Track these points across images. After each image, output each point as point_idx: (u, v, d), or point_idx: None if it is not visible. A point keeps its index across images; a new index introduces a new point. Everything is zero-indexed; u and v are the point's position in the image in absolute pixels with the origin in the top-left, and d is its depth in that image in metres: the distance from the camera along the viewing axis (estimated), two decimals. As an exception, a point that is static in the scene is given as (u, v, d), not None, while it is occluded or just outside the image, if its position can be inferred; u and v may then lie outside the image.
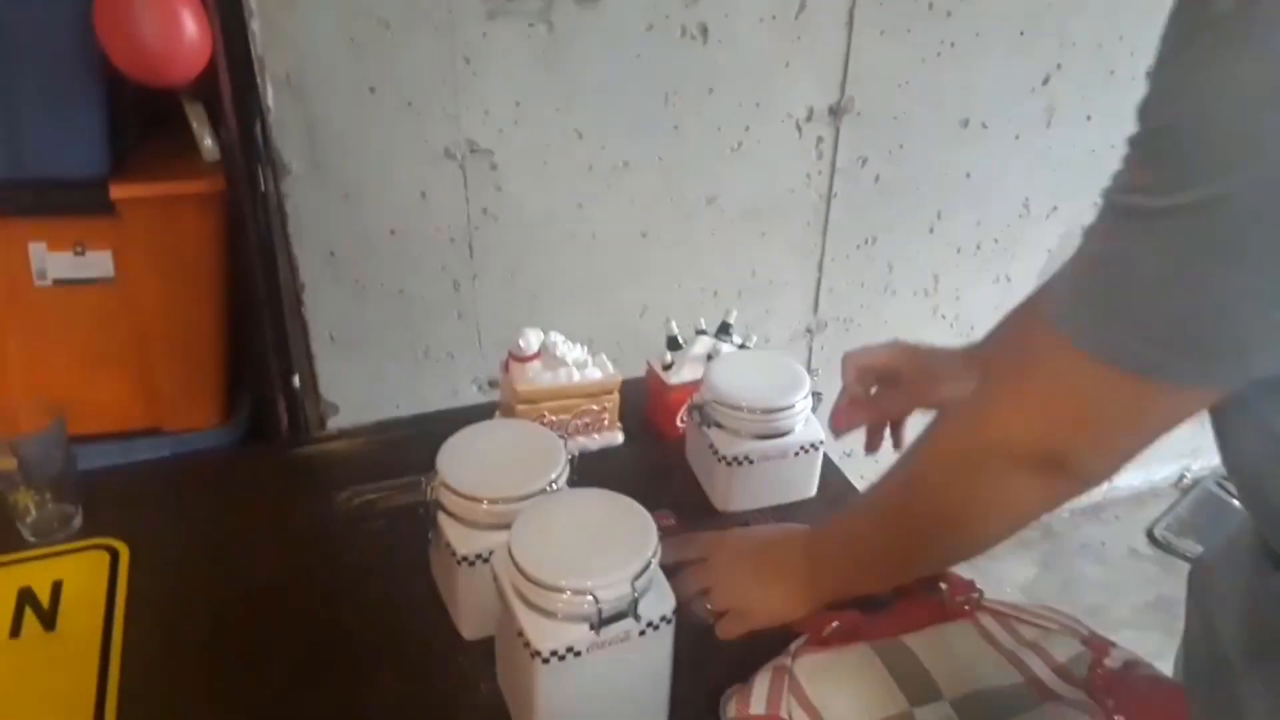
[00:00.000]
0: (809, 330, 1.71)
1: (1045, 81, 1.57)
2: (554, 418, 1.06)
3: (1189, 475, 2.31)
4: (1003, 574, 2.10)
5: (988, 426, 0.57)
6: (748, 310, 1.63)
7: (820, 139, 1.50)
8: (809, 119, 1.47)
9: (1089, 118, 1.62)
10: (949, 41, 1.47)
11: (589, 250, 1.46)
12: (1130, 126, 0.44)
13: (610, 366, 1.08)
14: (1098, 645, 0.70)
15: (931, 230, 1.66)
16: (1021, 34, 1.51)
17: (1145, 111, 0.44)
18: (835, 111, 1.47)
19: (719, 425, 0.96)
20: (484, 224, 1.38)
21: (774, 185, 1.52)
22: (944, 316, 1.79)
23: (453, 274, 1.42)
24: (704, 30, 1.33)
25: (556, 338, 1.08)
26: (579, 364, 1.07)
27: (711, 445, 0.97)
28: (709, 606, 0.76)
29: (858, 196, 1.58)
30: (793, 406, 0.95)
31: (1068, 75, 1.57)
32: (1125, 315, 0.47)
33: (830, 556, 0.74)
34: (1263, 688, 0.60)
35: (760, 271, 1.60)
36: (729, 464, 0.95)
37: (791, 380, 0.98)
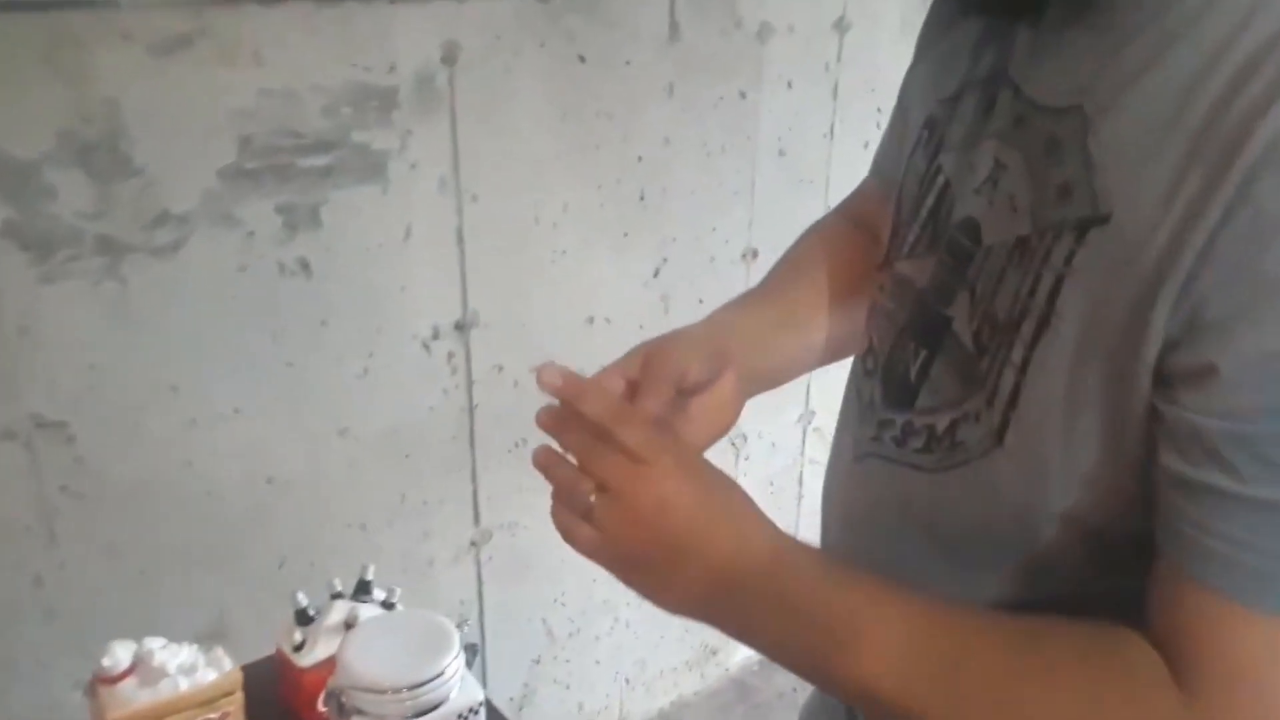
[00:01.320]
0: (473, 543, 1.67)
1: (656, 274, 1.71)
2: (164, 740, 0.92)
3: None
4: (713, 748, 2.11)
5: None
6: (403, 536, 1.56)
7: (451, 354, 1.51)
8: (435, 337, 1.48)
9: (700, 301, 1.78)
10: (560, 249, 1.56)
11: (204, 510, 1.33)
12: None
13: (227, 662, 0.97)
14: None
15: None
16: (625, 235, 1.64)
17: None
18: (461, 326, 1.50)
19: (361, 713, 0.88)
20: (65, 505, 1.20)
21: (410, 405, 1.49)
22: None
23: (32, 568, 1.22)
24: (305, 265, 1.31)
25: (153, 644, 0.95)
26: (185, 669, 0.94)
27: (356, 739, 0.88)
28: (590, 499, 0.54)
29: (500, 402, 1.59)
30: (442, 674, 0.89)
31: (674, 266, 1.73)
32: None
33: (775, 611, 0.53)
34: None
35: (410, 495, 1.55)
36: (378, 759, 0.87)
37: (438, 641, 0.93)
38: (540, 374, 0.57)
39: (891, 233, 0.67)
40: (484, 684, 1.81)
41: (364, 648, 0.92)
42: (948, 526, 0.58)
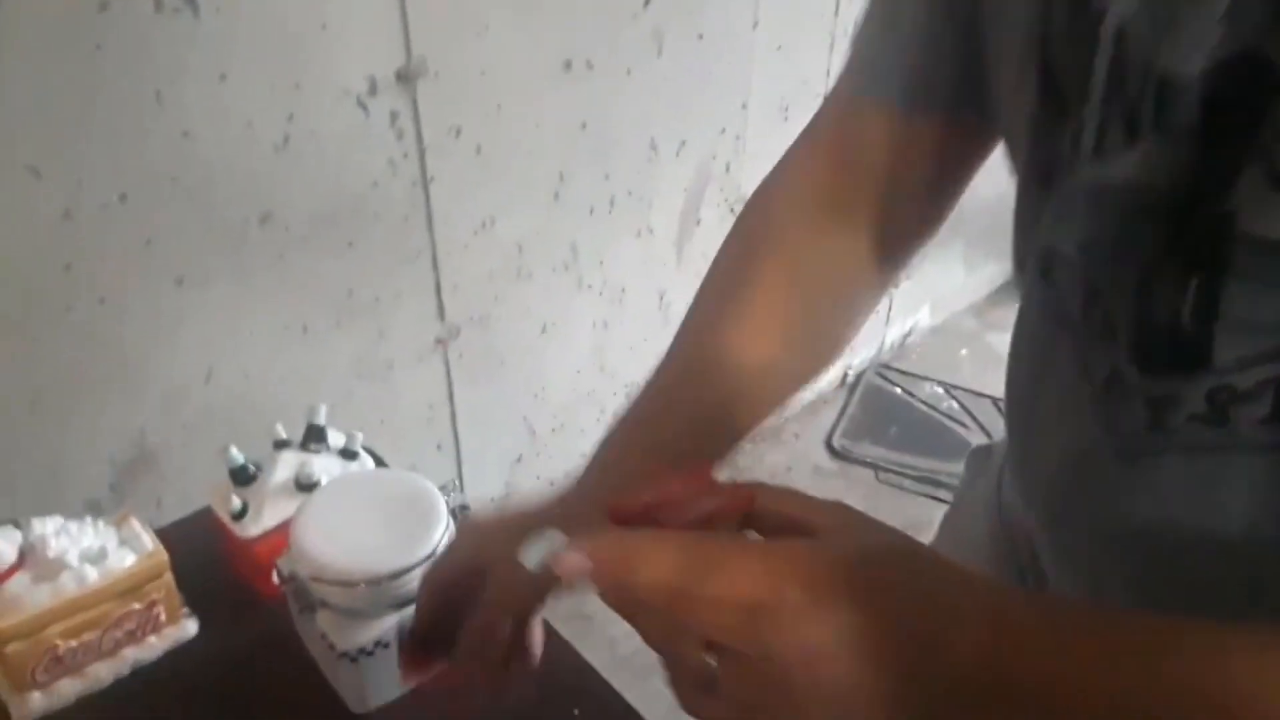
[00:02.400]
0: (439, 341, 1.46)
1: (646, 3, 1.40)
2: (76, 643, 0.75)
3: (851, 372, 2.40)
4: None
5: None
6: (356, 337, 1.35)
7: (395, 113, 1.22)
8: (372, 92, 1.18)
9: (700, 36, 1.48)
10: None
11: (98, 323, 1.09)
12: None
13: (146, 538, 0.78)
14: None
15: (556, 196, 1.47)
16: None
17: None
18: (404, 77, 1.20)
19: (327, 606, 0.70)
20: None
21: (347, 181, 1.22)
22: (590, 286, 1.63)
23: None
24: (189, -2, 0.99)
25: (45, 527, 0.75)
26: (91, 555, 0.75)
27: (323, 635, 0.71)
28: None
29: (460, 174, 1.33)
30: (433, 552, 0.71)
31: (668, -9, 1.41)
32: None
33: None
34: None
35: (359, 289, 1.32)
36: (352, 659, 0.70)
37: (419, 510, 0.75)
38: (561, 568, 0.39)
39: (1031, 133, 0.44)
40: (461, 488, 1.68)
41: (324, 525, 0.72)
42: None
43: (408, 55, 1.20)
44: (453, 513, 0.81)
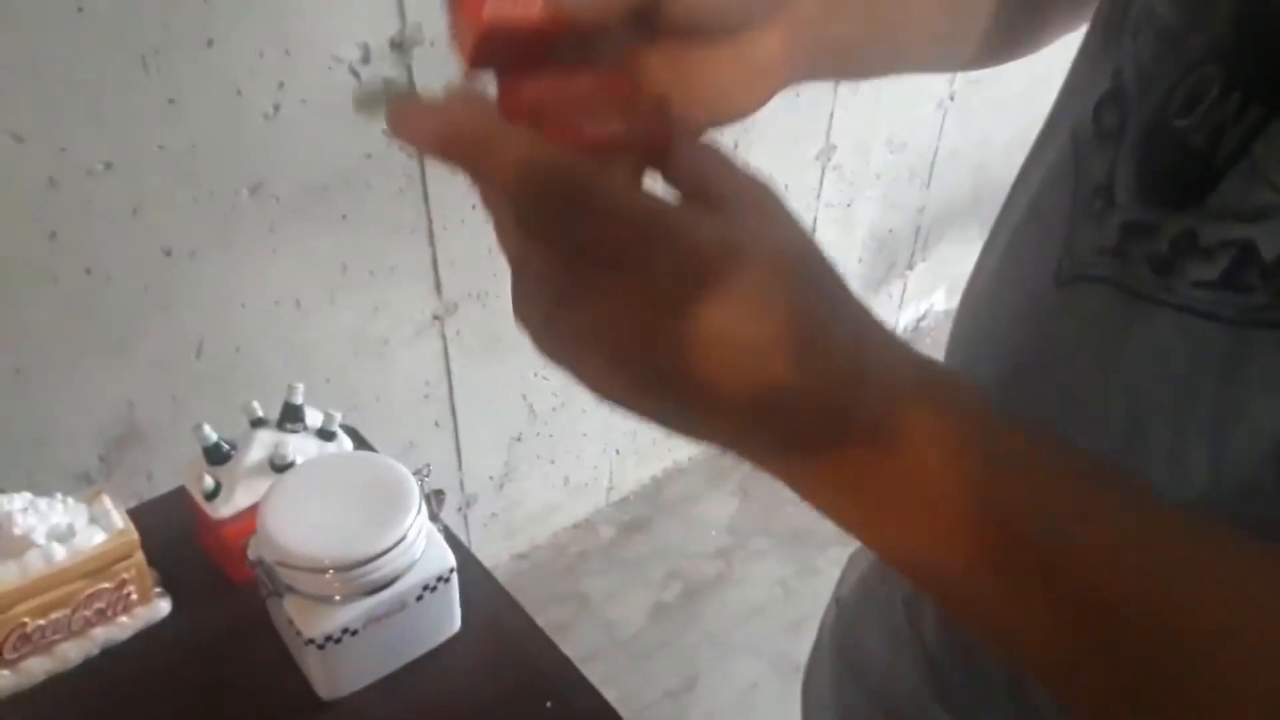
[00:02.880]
0: (436, 317, 1.45)
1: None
2: (44, 621, 0.74)
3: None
4: (704, 516, 2.04)
5: None
6: (350, 312, 1.33)
7: (389, 83, 1.19)
8: (366, 60, 1.16)
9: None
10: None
11: (85, 291, 1.08)
12: None
13: (116, 516, 0.77)
14: None
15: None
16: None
17: None
18: (399, 45, 1.17)
19: (294, 591, 0.69)
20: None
21: (340, 152, 1.20)
22: (593, 263, 1.59)
23: None
24: (174, -42, 0.97)
25: (11, 504, 0.74)
26: (59, 533, 0.74)
27: (290, 621, 0.70)
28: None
29: (457, 146, 1.30)
30: (404, 539, 0.70)
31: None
32: None
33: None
34: None
35: (353, 264, 1.30)
36: (319, 647, 0.69)
37: (392, 495, 0.73)
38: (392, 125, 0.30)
39: None
40: (459, 465, 1.67)
41: (293, 509, 0.71)
42: (1250, 424, 0.34)
43: (402, 23, 1.17)
44: (426, 498, 0.80)
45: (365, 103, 0.31)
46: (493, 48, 0.32)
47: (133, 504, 1.23)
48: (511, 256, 0.32)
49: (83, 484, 1.22)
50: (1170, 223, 0.36)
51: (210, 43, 1.04)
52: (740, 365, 0.29)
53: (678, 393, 0.30)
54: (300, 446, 0.85)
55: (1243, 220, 0.33)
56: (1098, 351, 0.40)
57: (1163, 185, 0.37)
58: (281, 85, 1.11)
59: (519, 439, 1.73)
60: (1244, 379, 0.34)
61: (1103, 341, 0.39)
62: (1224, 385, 0.34)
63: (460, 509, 1.72)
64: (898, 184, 2.09)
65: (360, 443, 1.01)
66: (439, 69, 1.23)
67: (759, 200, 0.31)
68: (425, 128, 0.30)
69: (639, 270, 0.28)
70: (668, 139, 0.32)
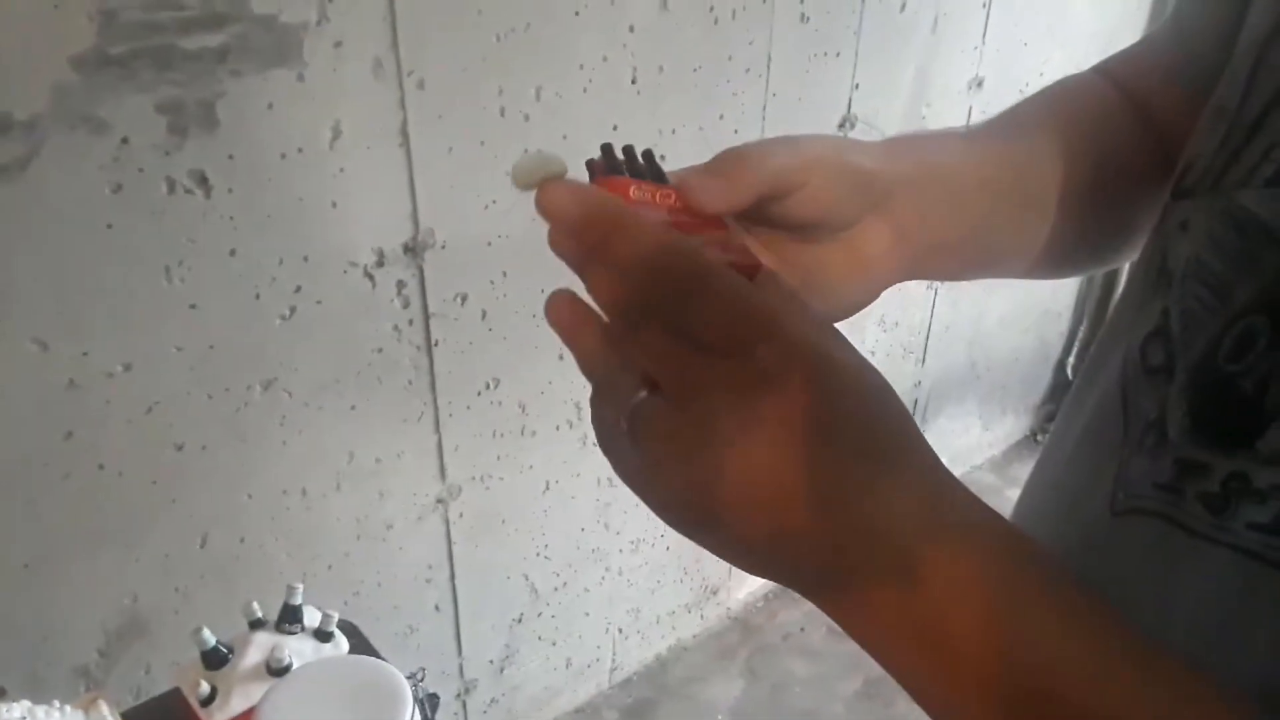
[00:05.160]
0: (440, 501, 1.46)
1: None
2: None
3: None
4: (709, 698, 1.98)
5: None
6: (356, 498, 1.35)
7: (401, 283, 1.26)
8: (380, 264, 1.22)
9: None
10: (534, 148, 1.29)
11: (97, 487, 1.11)
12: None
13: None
14: None
15: (562, 356, 1.48)
16: (614, 128, 1.37)
17: None
18: (412, 249, 1.24)
19: (283, 812, 0.68)
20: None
21: (352, 349, 1.25)
22: (595, 444, 1.61)
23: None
24: (202, 180, 1.04)
25: (11, 714, 0.74)
26: (50, 751, 0.74)
27: (278, 843, 0.68)
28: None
29: (465, 338, 1.36)
30: (392, 751, 0.69)
31: (674, 164, 1.46)
32: None
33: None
34: None
35: (360, 452, 1.33)
36: None
37: (387, 700, 0.73)
38: (542, 194, 0.35)
39: (1220, 134, 0.42)
40: (459, 650, 1.64)
41: (288, 718, 0.71)
42: None
43: (415, 228, 1.24)
44: (419, 702, 0.79)
45: (523, 174, 0.35)
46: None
47: (130, 699, 1.22)
48: (600, 370, 0.35)
49: (81, 678, 1.21)
50: (1222, 463, 0.37)
51: (233, 252, 1.10)
52: (759, 511, 0.31)
53: (711, 523, 0.32)
54: (297, 649, 0.85)
55: None
56: (1153, 583, 0.40)
57: (1214, 426, 0.38)
58: (299, 289, 1.17)
59: (520, 620, 1.71)
60: None
61: (1158, 574, 0.40)
62: (1277, 627, 0.35)
63: (459, 695, 1.68)
64: (892, 360, 2.13)
65: (358, 639, 1.01)
66: (450, 269, 1.30)
67: (840, 344, 0.34)
68: (572, 201, 0.34)
69: (742, 358, 0.31)
70: (758, 268, 0.36)
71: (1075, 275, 0.56)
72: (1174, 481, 0.40)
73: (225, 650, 0.84)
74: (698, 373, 0.31)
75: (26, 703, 0.76)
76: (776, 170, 0.39)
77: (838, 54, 1.62)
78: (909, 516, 0.31)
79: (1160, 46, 0.55)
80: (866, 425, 0.32)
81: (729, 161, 0.39)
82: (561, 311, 0.36)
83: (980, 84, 1.91)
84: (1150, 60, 0.55)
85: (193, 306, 1.10)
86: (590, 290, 0.35)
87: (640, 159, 0.38)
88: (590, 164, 0.38)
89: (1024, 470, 2.37)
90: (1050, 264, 0.53)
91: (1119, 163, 0.51)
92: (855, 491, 0.31)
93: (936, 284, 2.10)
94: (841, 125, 1.70)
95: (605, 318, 0.35)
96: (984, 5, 1.83)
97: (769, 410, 0.31)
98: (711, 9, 1.41)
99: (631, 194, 0.36)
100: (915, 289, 2.09)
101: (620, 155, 0.38)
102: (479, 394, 1.43)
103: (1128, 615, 0.41)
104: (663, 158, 0.39)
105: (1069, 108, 0.53)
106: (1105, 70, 0.57)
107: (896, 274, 0.45)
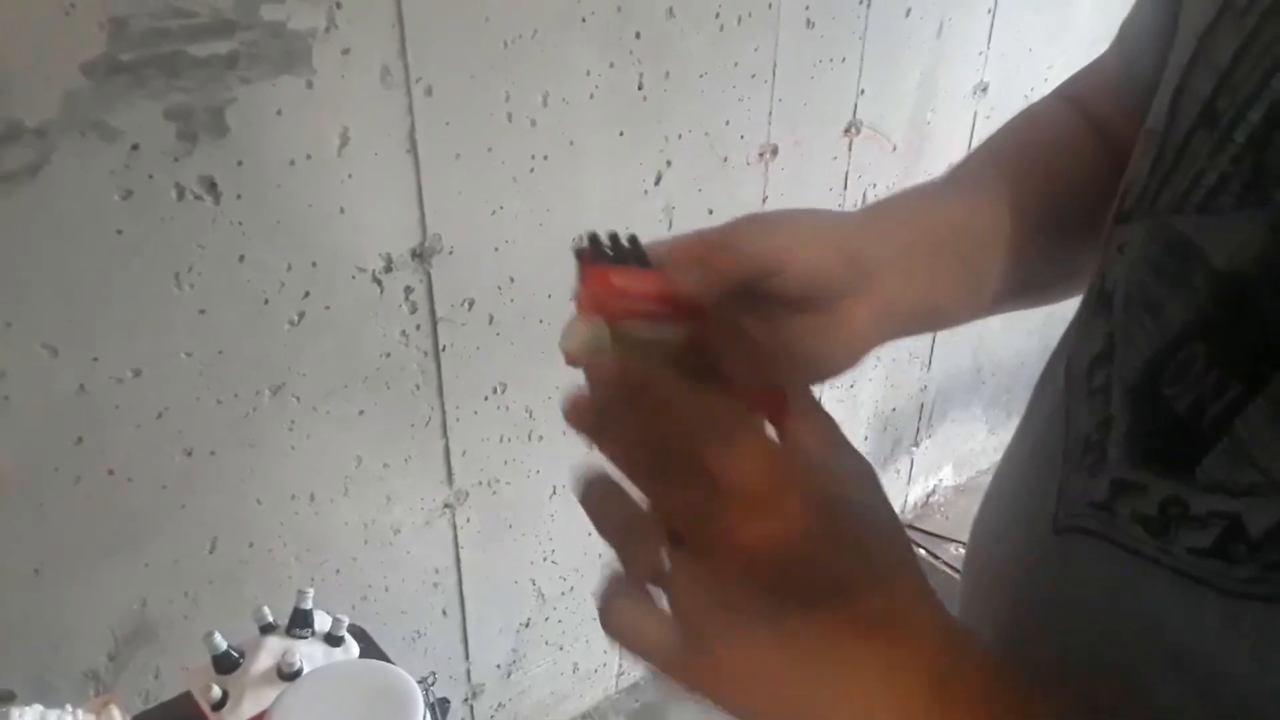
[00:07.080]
0: (447, 505, 1.46)
1: (657, 181, 1.45)
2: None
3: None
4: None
5: None
6: (363, 503, 1.35)
7: (409, 289, 1.26)
8: (388, 269, 1.22)
9: (710, 211, 1.52)
10: (540, 153, 1.29)
11: (106, 492, 1.11)
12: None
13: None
14: None
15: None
16: (620, 134, 1.37)
17: None
18: (420, 255, 1.24)
19: (294, 815, 0.68)
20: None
21: (360, 354, 1.25)
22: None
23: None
24: (211, 186, 1.04)
25: (24, 718, 0.74)
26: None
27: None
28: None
29: (472, 343, 1.36)
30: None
31: (680, 170, 1.46)
32: None
33: None
34: None
35: (368, 457, 1.33)
36: None
37: (398, 704, 0.73)
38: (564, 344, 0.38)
39: (1150, 158, 0.41)
40: (466, 654, 1.64)
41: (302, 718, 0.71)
42: (1244, 691, 0.34)
43: (423, 234, 1.24)
44: (430, 707, 0.79)
45: (580, 350, 0.38)
46: (615, 308, 0.38)
47: (139, 703, 1.22)
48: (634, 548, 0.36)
49: (90, 682, 1.21)
50: (1157, 485, 0.37)
51: (242, 258, 1.10)
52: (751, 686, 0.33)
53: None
54: (308, 653, 0.85)
55: (1230, 494, 0.34)
56: (1097, 603, 0.40)
57: (1151, 448, 0.38)
58: (307, 295, 1.17)
59: (527, 624, 1.70)
60: (1235, 650, 0.34)
61: (1101, 594, 0.40)
62: (1219, 649, 0.35)
63: (467, 699, 1.68)
64: (898, 365, 2.13)
65: (367, 644, 1.01)
66: (457, 274, 1.29)
67: (867, 488, 0.36)
68: (619, 378, 0.35)
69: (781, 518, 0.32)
70: (784, 400, 0.38)
71: (1062, 300, 0.56)
72: (1108, 501, 0.39)
73: (236, 654, 0.84)
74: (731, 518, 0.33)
75: (39, 707, 0.76)
76: (757, 256, 0.40)
77: (843, 60, 1.62)
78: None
79: (1109, 66, 0.55)
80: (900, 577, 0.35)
81: (711, 245, 0.40)
82: (588, 488, 0.37)
83: (985, 89, 1.91)
84: (1100, 80, 0.55)
85: (202, 312, 1.10)
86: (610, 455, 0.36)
87: (626, 243, 0.40)
88: (579, 253, 0.39)
89: (1030, 475, 2.38)
90: (1028, 300, 0.54)
91: (1080, 196, 0.51)
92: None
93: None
94: (847, 130, 1.70)
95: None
96: (989, 11, 1.83)
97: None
98: (717, 15, 1.41)
99: (615, 282, 0.38)
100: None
101: (606, 242, 0.39)
102: (486, 399, 1.43)
103: (1073, 636, 0.42)
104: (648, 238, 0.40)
105: (1027, 152, 0.54)
106: (1068, 95, 0.57)
107: (879, 340, 0.46)
